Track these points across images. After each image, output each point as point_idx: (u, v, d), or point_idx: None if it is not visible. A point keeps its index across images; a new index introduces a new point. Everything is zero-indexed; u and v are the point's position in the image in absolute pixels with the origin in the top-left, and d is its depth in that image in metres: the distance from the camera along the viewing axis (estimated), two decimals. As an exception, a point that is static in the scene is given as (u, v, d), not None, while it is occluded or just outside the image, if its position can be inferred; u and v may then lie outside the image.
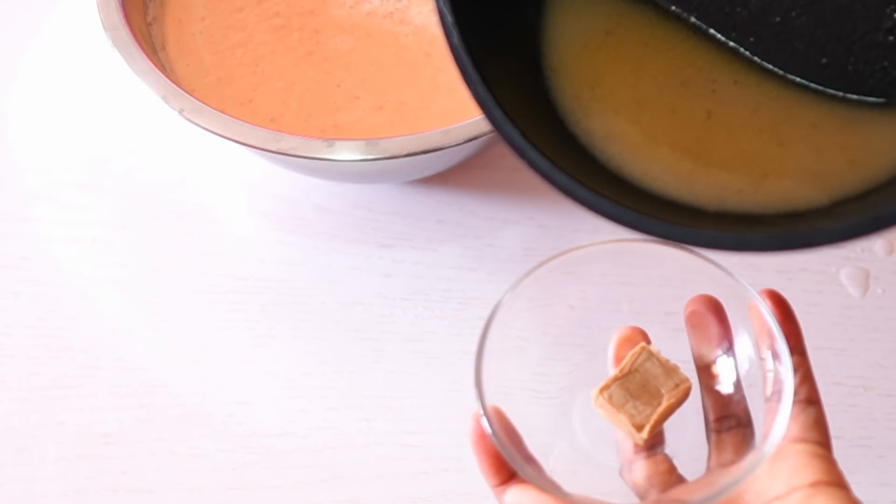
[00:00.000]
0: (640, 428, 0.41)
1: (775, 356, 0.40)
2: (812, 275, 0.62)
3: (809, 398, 0.41)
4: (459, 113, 0.62)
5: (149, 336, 0.60)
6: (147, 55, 0.59)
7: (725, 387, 0.43)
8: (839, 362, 0.60)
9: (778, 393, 0.40)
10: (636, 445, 0.43)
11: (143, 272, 0.62)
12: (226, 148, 0.65)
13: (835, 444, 0.56)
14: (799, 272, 0.62)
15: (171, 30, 0.65)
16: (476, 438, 0.41)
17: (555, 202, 0.65)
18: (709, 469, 0.42)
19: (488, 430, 0.40)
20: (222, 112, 0.57)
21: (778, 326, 0.40)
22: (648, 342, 0.44)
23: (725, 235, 0.31)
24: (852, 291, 0.62)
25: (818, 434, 0.40)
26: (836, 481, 0.38)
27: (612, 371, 0.44)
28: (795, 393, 0.40)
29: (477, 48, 0.35)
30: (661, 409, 0.41)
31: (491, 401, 0.41)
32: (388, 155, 0.55)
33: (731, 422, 0.43)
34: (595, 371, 0.45)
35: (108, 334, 0.60)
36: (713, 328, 0.43)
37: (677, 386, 0.42)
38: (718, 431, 0.42)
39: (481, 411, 0.41)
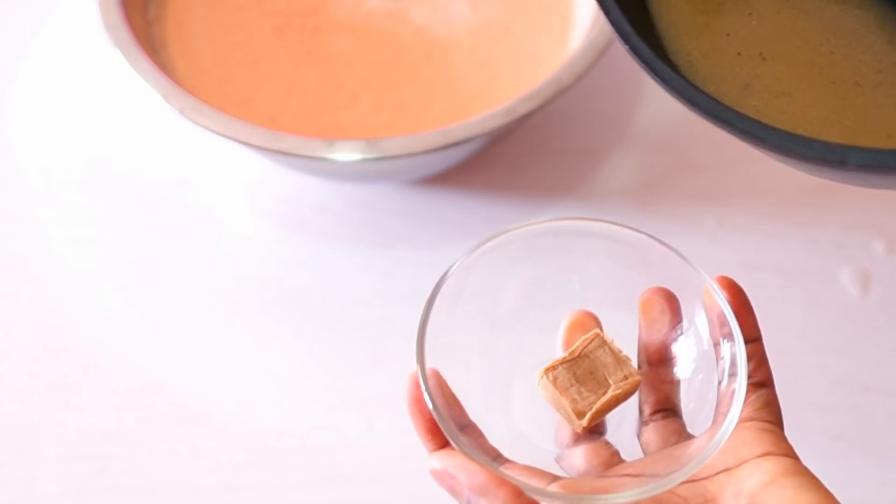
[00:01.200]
0: (580, 415, 0.40)
1: (729, 339, 0.40)
2: (812, 275, 0.62)
3: (762, 381, 0.41)
4: (459, 113, 0.62)
5: (149, 336, 0.60)
6: (147, 55, 0.59)
7: (668, 376, 0.42)
8: (839, 362, 0.60)
9: (733, 376, 0.39)
10: (574, 433, 0.42)
11: (143, 272, 0.62)
12: (226, 148, 0.65)
13: (835, 444, 0.57)
14: (799, 272, 0.62)
15: (171, 29, 0.65)
16: (412, 400, 0.40)
17: (555, 201, 0.65)
18: (649, 454, 0.41)
19: (425, 391, 0.39)
20: (222, 112, 0.57)
21: (731, 312, 0.40)
22: (600, 329, 0.43)
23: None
24: (852, 291, 0.62)
25: (769, 414, 0.40)
26: (786, 452, 0.38)
27: (559, 353, 0.42)
28: (750, 376, 0.39)
29: None
30: (605, 398, 0.40)
31: (431, 363, 0.40)
32: (388, 155, 0.55)
33: (665, 412, 0.42)
34: (543, 351, 0.43)
35: (108, 334, 0.60)
36: (665, 317, 0.42)
37: (626, 378, 0.41)
38: (652, 422, 0.42)
39: (419, 372, 0.39)
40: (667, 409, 0.42)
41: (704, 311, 0.41)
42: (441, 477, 0.38)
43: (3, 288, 0.62)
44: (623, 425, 0.43)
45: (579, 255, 0.43)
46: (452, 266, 0.41)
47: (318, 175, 0.64)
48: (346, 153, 0.55)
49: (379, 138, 0.55)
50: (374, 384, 0.58)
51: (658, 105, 0.69)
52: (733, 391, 0.39)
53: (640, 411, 0.43)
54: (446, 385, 0.40)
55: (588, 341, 0.41)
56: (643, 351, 0.43)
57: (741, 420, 0.39)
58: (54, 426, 0.57)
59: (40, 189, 0.66)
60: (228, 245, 0.64)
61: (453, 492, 0.37)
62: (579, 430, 0.40)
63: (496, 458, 0.40)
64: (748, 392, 0.40)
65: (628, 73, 0.71)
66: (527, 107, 0.56)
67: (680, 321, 0.42)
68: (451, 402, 0.40)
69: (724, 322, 0.40)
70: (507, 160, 0.66)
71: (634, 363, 0.42)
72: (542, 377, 0.41)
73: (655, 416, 0.42)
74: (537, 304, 0.44)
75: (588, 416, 0.40)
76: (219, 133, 0.56)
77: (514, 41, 0.66)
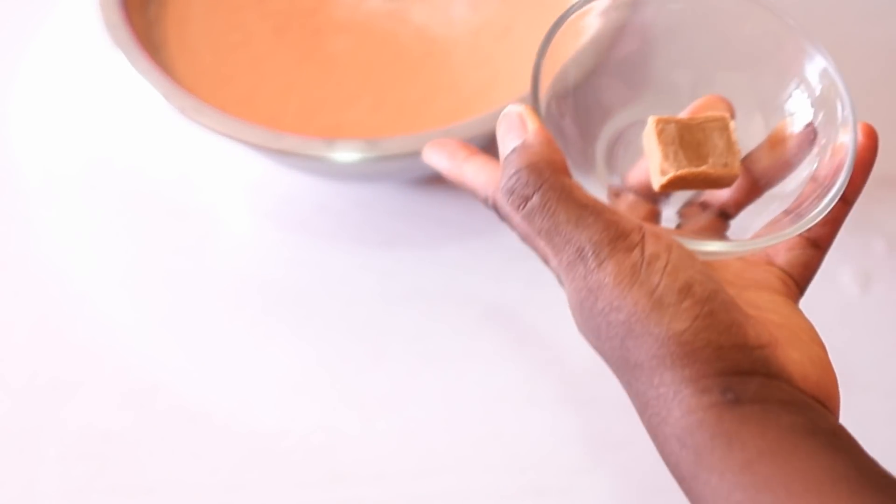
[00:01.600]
0: (663, 172, 0.39)
1: (829, 183, 0.39)
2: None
3: (819, 242, 0.40)
4: (459, 113, 0.62)
5: (149, 336, 0.60)
6: (148, 55, 0.59)
7: (758, 186, 0.42)
8: (839, 362, 0.59)
9: (800, 215, 0.38)
10: (638, 184, 0.42)
11: (143, 272, 0.62)
12: (226, 147, 0.65)
13: (835, 444, 0.56)
14: (799, 272, 0.62)
15: (171, 29, 0.65)
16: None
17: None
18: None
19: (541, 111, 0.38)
20: (222, 111, 0.57)
21: (852, 161, 0.39)
22: (733, 115, 0.42)
23: None
24: (852, 291, 0.62)
25: (801, 275, 0.40)
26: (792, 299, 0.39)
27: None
28: (813, 230, 0.39)
29: None
30: (694, 170, 0.39)
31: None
32: (388, 155, 0.55)
33: (724, 215, 0.42)
34: (661, 110, 0.42)
35: (108, 334, 0.60)
36: (800, 151, 0.41)
37: (725, 166, 0.39)
38: (705, 213, 0.42)
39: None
40: (725, 213, 0.42)
41: (831, 147, 0.40)
42: (508, 122, 0.36)
43: (3, 288, 0.62)
44: (673, 199, 0.42)
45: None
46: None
47: (318, 175, 0.64)
48: (346, 153, 0.55)
49: (379, 138, 0.55)
50: (374, 384, 0.58)
51: (658, 105, 0.69)
52: (794, 221, 0.38)
53: (702, 194, 0.42)
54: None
55: (714, 118, 0.40)
56: (752, 158, 0.42)
57: (770, 261, 0.39)
58: (54, 426, 0.57)
59: (40, 189, 0.66)
60: (228, 245, 0.64)
61: (503, 139, 0.37)
62: (656, 188, 0.40)
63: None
64: (800, 244, 0.39)
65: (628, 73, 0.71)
66: (527, 107, 0.56)
67: (807, 154, 0.41)
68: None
69: (840, 167, 0.39)
70: (507, 160, 0.66)
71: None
72: (651, 122, 0.40)
73: (712, 210, 0.42)
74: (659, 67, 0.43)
75: (669, 176, 0.39)
76: (219, 132, 0.56)
77: (514, 41, 0.66)
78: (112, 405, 0.58)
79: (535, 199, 0.34)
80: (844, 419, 0.58)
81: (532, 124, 0.36)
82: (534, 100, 0.38)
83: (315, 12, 0.67)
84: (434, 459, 0.56)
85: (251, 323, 0.61)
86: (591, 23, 0.41)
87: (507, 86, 0.63)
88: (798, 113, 0.42)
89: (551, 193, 0.34)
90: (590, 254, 0.33)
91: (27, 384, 0.58)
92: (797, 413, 0.33)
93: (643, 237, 0.34)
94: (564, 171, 0.35)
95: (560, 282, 0.37)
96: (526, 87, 0.58)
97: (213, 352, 0.60)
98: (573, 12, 0.40)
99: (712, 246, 0.36)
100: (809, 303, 0.62)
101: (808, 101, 0.41)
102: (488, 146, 0.64)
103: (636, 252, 0.33)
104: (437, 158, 0.42)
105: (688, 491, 0.33)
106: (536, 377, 0.59)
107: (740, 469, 0.32)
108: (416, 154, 0.55)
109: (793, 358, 0.35)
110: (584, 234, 0.34)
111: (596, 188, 0.38)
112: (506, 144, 0.36)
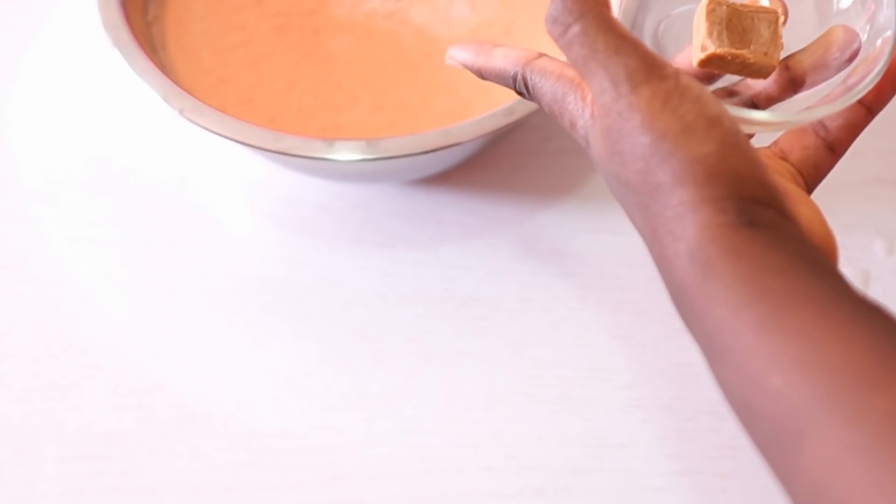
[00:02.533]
0: (704, 49, 0.40)
1: (865, 75, 0.40)
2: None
3: (834, 146, 0.41)
4: (459, 113, 0.62)
5: (149, 336, 0.60)
6: (147, 55, 0.59)
7: (793, 87, 0.43)
8: (839, 362, 0.59)
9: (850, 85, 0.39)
10: (680, 62, 0.43)
11: (144, 272, 0.62)
12: (226, 148, 0.65)
13: (835, 443, 0.56)
14: (799, 272, 0.62)
15: (171, 29, 0.65)
16: None
17: (555, 201, 0.65)
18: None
19: None
20: (222, 112, 0.57)
21: (892, 53, 0.40)
22: (786, 18, 0.43)
23: None
24: (852, 291, 0.62)
25: (812, 175, 0.41)
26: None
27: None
28: (833, 130, 0.40)
29: None
30: (733, 51, 0.40)
31: None
32: (388, 155, 0.55)
33: (752, 104, 0.43)
34: None
35: (108, 334, 0.60)
36: (842, 57, 0.42)
37: (766, 55, 0.41)
38: (734, 98, 0.43)
39: None
40: (757, 104, 0.43)
41: (860, 47, 0.41)
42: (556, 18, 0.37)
43: (3, 288, 0.62)
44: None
45: None
46: None
47: (318, 175, 0.64)
48: (346, 153, 0.55)
49: (379, 138, 0.55)
50: (374, 384, 0.58)
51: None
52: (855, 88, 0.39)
53: (736, 88, 0.43)
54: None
55: (765, 10, 0.41)
56: (800, 56, 0.43)
57: (784, 155, 0.40)
58: (54, 426, 0.57)
59: (40, 189, 0.66)
60: (228, 245, 0.64)
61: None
62: (694, 63, 0.41)
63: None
64: (816, 142, 0.41)
65: None
66: (527, 107, 0.56)
67: (849, 61, 0.42)
68: None
69: (879, 56, 0.40)
70: (507, 160, 0.66)
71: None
72: (705, 1, 0.41)
73: (745, 101, 0.43)
74: None
75: (708, 52, 0.40)
76: (218, 133, 0.56)
77: (514, 41, 0.66)
78: (112, 405, 0.58)
79: (577, 28, 0.35)
80: (844, 419, 0.58)
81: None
82: None
83: (315, 12, 0.67)
84: (434, 459, 0.56)
85: (251, 323, 0.61)
86: None
87: (507, 86, 0.63)
88: (849, 21, 0.42)
89: (593, 22, 0.35)
90: (623, 79, 0.34)
91: (27, 384, 0.58)
92: (805, 245, 0.34)
93: (677, 72, 0.35)
94: (607, 4, 0.36)
95: (586, 137, 0.37)
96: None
97: (213, 352, 0.60)
98: None
99: (757, 115, 0.38)
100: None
101: (860, 13, 0.42)
102: (489, 146, 0.64)
103: (670, 81, 0.34)
104: (462, 54, 0.42)
105: (688, 302, 0.34)
106: (536, 377, 0.59)
107: (746, 279, 0.32)
108: (415, 154, 0.55)
109: (803, 212, 0.36)
110: (621, 61, 0.34)
111: None
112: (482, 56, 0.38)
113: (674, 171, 0.34)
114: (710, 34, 0.40)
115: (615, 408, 0.58)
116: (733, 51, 0.40)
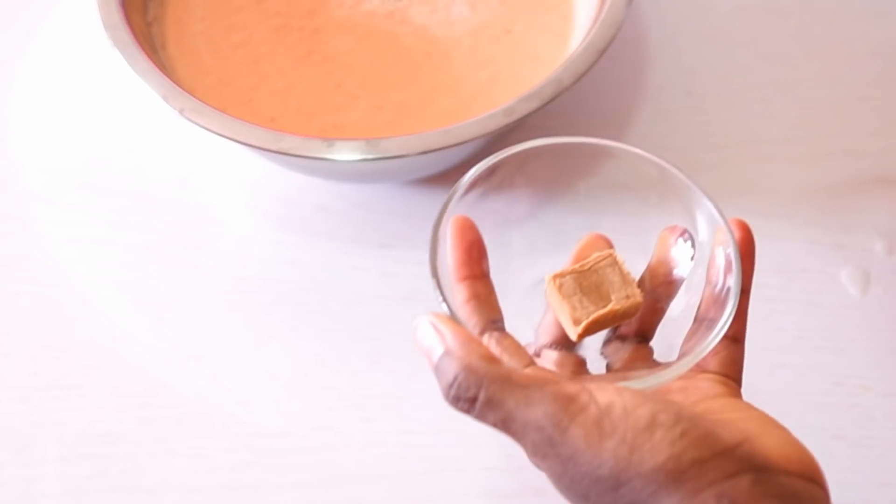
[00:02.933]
0: (577, 322, 0.41)
1: (724, 283, 0.41)
2: (812, 275, 0.62)
3: (736, 336, 0.42)
4: (459, 113, 0.62)
5: (149, 336, 0.60)
6: (147, 55, 0.59)
7: (658, 305, 0.44)
8: (839, 362, 0.60)
9: (713, 321, 0.41)
10: (554, 340, 0.44)
11: (144, 272, 0.62)
12: (226, 148, 0.65)
13: (835, 444, 0.57)
14: (799, 272, 0.62)
15: (171, 29, 0.65)
16: (455, 230, 0.43)
17: (555, 199, 0.65)
18: (613, 371, 0.43)
19: (447, 230, 0.42)
20: (222, 112, 0.57)
21: (739, 258, 0.41)
22: (611, 247, 0.45)
23: None
24: (852, 291, 0.62)
25: (732, 371, 0.41)
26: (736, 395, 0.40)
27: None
28: (729, 326, 0.41)
29: None
30: (603, 311, 0.41)
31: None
32: (388, 155, 0.55)
33: (640, 338, 0.44)
34: (553, 263, 0.45)
35: (108, 334, 0.60)
36: (674, 251, 0.44)
37: (628, 298, 0.42)
38: (626, 343, 0.44)
39: (438, 219, 0.42)
40: (643, 335, 0.44)
41: (713, 249, 0.42)
42: (425, 331, 0.38)
43: (3, 288, 0.62)
44: (592, 341, 0.44)
45: (603, 181, 0.46)
46: (473, 171, 0.43)
47: (318, 175, 0.64)
48: (346, 153, 0.55)
49: (379, 138, 0.55)
50: (374, 384, 0.58)
51: (658, 105, 0.69)
52: (709, 330, 0.40)
53: (618, 333, 0.45)
54: (477, 234, 0.42)
55: (601, 258, 0.43)
56: (645, 279, 0.44)
57: (703, 369, 0.41)
58: (54, 426, 0.57)
59: (40, 189, 0.66)
60: (228, 245, 0.64)
61: (429, 349, 0.38)
62: (574, 337, 0.42)
63: (496, 321, 0.42)
64: (721, 343, 0.41)
65: (628, 73, 0.71)
66: (527, 107, 0.56)
67: (690, 263, 0.44)
68: (476, 249, 0.42)
69: (729, 265, 0.41)
70: (507, 160, 0.66)
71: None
72: (550, 281, 0.42)
73: (631, 339, 0.44)
74: (550, 218, 0.46)
75: (583, 324, 0.41)
76: (218, 133, 0.56)
77: (513, 41, 0.66)
78: (112, 405, 0.58)
79: (481, 397, 0.35)
80: (845, 419, 0.58)
81: (445, 328, 0.38)
82: (438, 290, 0.41)
83: (315, 12, 0.67)
84: (434, 459, 0.56)
85: (251, 323, 0.61)
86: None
87: (507, 86, 0.63)
88: (672, 227, 0.45)
89: (493, 387, 0.35)
90: (551, 428, 0.35)
91: (27, 384, 0.58)
92: (787, 490, 0.35)
93: (590, 393, 0.35)
94: (493, 359, 0.36)
95: (537, 465, 0.38)
96: (526, 88, 0.58)
97: (213, 352, 0.60)
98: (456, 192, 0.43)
99: (648, 381, 0.38)
100: (809, 303, 0.62)
101: (679, 217, 0.44)
102: (487, 148, 0.64)
103: (592, 408, 0.35)
104: (431, 340, 0.40)
105: None
106: (536, 377, 0.58)
107: None
108: (416, 154, 0.55)
109: (770, 445, 0.36)
110: (538, 411, 0.35)
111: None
112: (431, 356, 0.37)
113: (644, 490, 0.34)
114: (573, 309, 0.41)
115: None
116: (602, 312, 0.41)
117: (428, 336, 0.38)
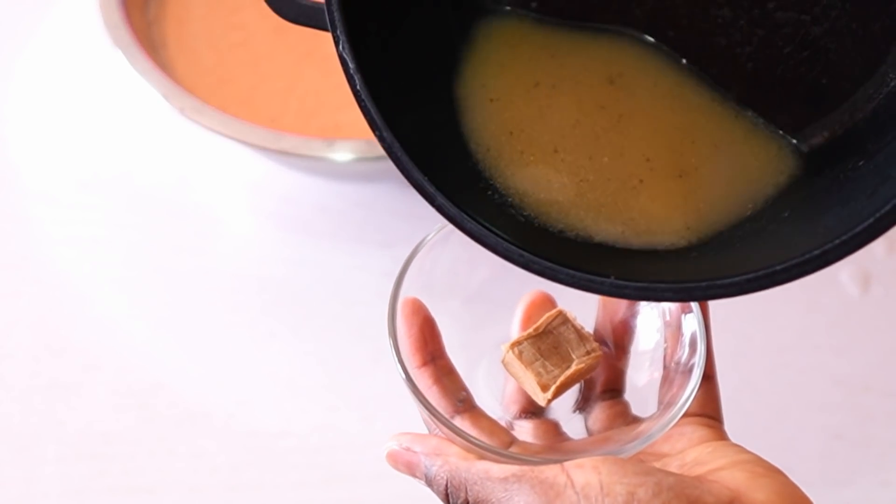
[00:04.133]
0: (545, 388, 0.41)
1: (687, 328, 0.40)
2: (812, 275, 0.62)
3: (707, 373, 0.41)
4: (460, 113, 0.62)
5: (149, 336, 0.60)
6: (147, 54, 0.59)
7: (620, 357, 0.43)
8: (839, 362, 0.60)
9: (683, 364, 0.40)
10: (522, 408, 0.44)
11: (144, 272, 0.62)
12: (226, 148, 0.65)
13: (835, 444, 0.57)
14: (799, 272, 0.62)
15: (171, 29, 0.65)
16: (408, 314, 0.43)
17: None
18: (594, 433, 0.42)
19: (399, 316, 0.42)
20: (222, 111, 0.57)
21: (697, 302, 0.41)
22: (555, 305, 0.44)
23: (627, 284, 0.31)
24: (852, 291, 0.62)
25: (711, 410, 0.41)
26: (722, 438, 0.40)
27: (516, 332, 0.44)
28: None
29: (386, 92, 0.35)
30: (569, 372, 0.41)
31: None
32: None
33: (612, 393, 0.43)
34: (500, 329, 0.45)
35: (108, 334, 0.60)
36: (623, 301, 0.43)
37: (588, 353, 0.41)
38: (600, 400, 0.43)
39: (391, 304, 0.42)
40: (613, 389, 0.43)
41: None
42: (398, 457, 0.40)
43: (3, 288, 0.62)
44: (563, 402, 0.43)
45: None
46: (424, 240, 0.43)
47: (318, 175, 0.64)
48: (346, 153, 0.55)
49: (379, 138, 0.55)
50: (374, 384, 0.58)
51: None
52: (684, 377, 0.39)
53: (586, 389, 0.44)
54: (426, 312, 0.42)
55: (552, 318, 0.42)
56: (599, 330, 0.44)
57: (686, 413, 0.40)
58: (54, 426, 0.57)
59: (40, 189, 0.66)
60: (228, 245, 0.64)
61: (410, 467, 0.39)
62: (543, 404, 0.41)
63: (463, 400, 0.41)
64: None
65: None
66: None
67: (633, 303, 0.43)
68: (428, 331, 0.42)
69: (686, 307, 0.41)
70: (507, 160, 0.66)
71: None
72: (508, 351, 0.42)
73: (603, 396, 0.43)
74: (498, 284, 0.45)
75: (552, 389, 0.41)
76: (219, 133, 0.56)
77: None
78: (112, 405, 0.58)
79: (470, 499, 0.37)
80: (845, 419, 0.59)
81: (419, 447, 0.39)
82: (409, 383, 0.41)
83: (315, 12, 0.67)
84: (434, 459, 0.56)
85: (251, 323, 0.61)
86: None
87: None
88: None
89: (476, 488, 0.36)
90: None
91: (27, 384, 0.58)
92: None
93: (567, 474, 0.35)
94: (468, 456, 0.38)
95: None
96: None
97: (213, 352, 0.60)
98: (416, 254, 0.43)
99: (632, 448, 0.38)
100: (810, 303, 0.62)
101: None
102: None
103: (569, 492, 0.35)
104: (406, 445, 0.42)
105: None
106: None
107: None
108: (416, 154, 0.55)
109: (760, 499, 0.35)
110: (520, 502, 0.35)
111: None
112: (416, 477, 0.39)
113: None
114: (538, 375, 0.41)
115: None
116: (567, 373, 0.41)
117: (401, 460, 0.40)
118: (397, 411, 0.58)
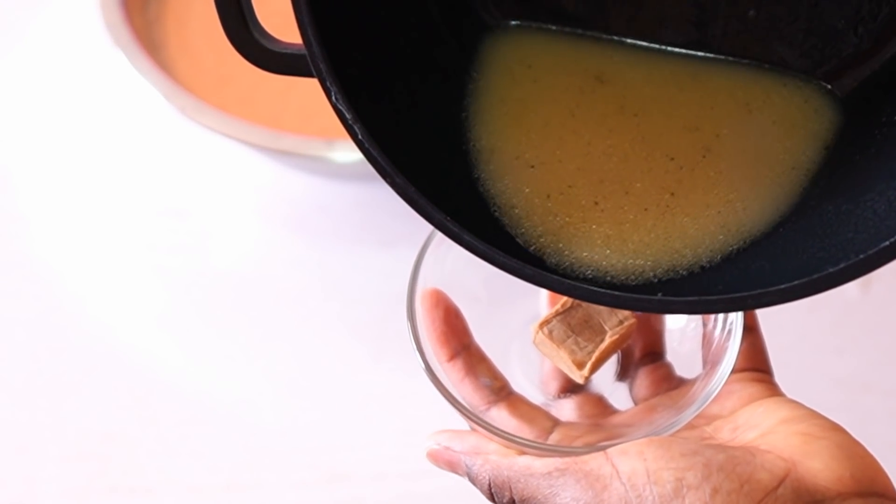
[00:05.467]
0: (581, 365, 0.39)
1: None
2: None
3: (749, 325, 0.40)
4: (460, 113, 0.62)
5: (149, 336, 0.60)
6: (148, 54, 0.59)
7: (656, 319, 0.42)
8: (839, 362, 0.60)
9: (722, 321, 0.38)
10: (561, 385, 0.42)
11: (143, 272, 0.62)
12: (226, 147, 0.65)
13: (835, 444, 0.56)
14: (799, 272, 0.62)
15: (171, 29, 0.65)
16: (428, 308, 0.41)
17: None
18: (640, 401, 0.41)
19: (419, 306, 0.40)
20: (223, 111, 0.57)
21: None
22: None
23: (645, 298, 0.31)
24: (852, 291, 0.62)
25: (758, 362, 0.40)
26: (774, 394, 0.38)
27: (545, 308, 0.42)
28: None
29: (390, 136, 0.33)
30: (603, 346, 0.39)
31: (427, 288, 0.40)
32: (388, 155, 0.55)
33: (653, 356, 0.42)
34: (529, 309, 0.43)
35: (108, 334, 0.60)
36: None
37: (621, 323, 0.39)
38: (641, 366, 0.42)
39: (409, 295, 0.41)
40: (654, 352, 0.42)
41: None
42: (439, 455, 0.39)
43: (3, 288, 0.62)
44: (603, 373, 0.41)
45: None
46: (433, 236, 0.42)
47: (318, 175, 0.64)
48: (346, 153, 0.55)
49: (379, 138, 0.55)
50: (374, 384, 0.58)
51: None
52: (727, 335, 0.38)
53: (625, 357, 0.42)
54: (448, 302, 0.40)
55: None
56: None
57: (734, 370, 0.39)
58: (54, 426, 0.57)
59: (40, 189, 0.66)
60: (228, 245, 0.64)
61: (452, 465, 0.38)
62: (581, 381, 0.39)
63: (501, 388, 0.40)
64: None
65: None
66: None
67: None
68: (452, 322, 0.40)
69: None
70: (508, 160, 0.66)
71: None
72: (537, 332, 0.40)
73: (644, 361, 0.42)
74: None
75: (588, 365, 0.39)
76: (219, 132, 0.56)
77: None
78: (112, 405, 0.58)
79: (516, 498, 0.36)
80: (845, 419, 0.58)
81: (457, 445, 0.38)
82: (435, 380, 0.39)
83: (315, 12, 0.67)
84: (434, 459, 0.56)
85: (251, 322, 0.61)
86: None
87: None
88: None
89: (520, 485, 0.35)
90: None
91: (27, 384, 0.58)
92: None
93: (612, 463, 0.34)
94: (508, 452, 0.36)
95: None
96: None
97: (213, 352, 0.60)
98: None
99: (677, 423, 0.36)
100: (810, 303, 0.62)
101: None
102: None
103: (616, 484, 0.34)
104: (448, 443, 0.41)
105: None
106: (535, 375, 0.58)
107: None
108: (416, 154, 0.55)
109: (817, 468, 0.34)
110: (566, 497, 0.34)
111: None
112: (460, 475, 0.38)
113: None
114: (572, 353, 0.39)
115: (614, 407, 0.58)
116: (602, 347, 0.39)
117: (441, 458, 0.39)
118: (397, 411, 0.58)
